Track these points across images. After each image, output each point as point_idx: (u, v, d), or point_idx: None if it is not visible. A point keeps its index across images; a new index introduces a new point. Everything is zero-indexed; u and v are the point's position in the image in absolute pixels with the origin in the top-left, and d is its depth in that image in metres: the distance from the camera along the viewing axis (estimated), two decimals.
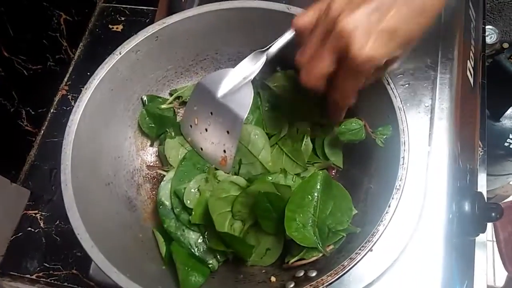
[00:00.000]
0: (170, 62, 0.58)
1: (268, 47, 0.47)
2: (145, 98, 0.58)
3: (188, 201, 0.51)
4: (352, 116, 0.49)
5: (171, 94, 0.61)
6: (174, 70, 0.60)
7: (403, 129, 0.44)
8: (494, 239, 1.04)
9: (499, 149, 1.04)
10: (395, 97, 0.45)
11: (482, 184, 0.63)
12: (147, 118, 0.58)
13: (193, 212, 0.50)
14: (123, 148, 0.57)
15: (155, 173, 0.59)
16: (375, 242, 0.40)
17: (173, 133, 0.58)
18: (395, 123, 0.45)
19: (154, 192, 0.58)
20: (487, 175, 0.65)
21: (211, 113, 0.52)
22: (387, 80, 0.46)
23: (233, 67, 0.50)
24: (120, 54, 0.51)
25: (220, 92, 0.50)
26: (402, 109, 0.45)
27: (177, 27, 0.54)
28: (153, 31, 0.52)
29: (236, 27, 0.55)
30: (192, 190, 0.51)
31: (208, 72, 0.61)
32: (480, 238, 0.59)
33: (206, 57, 0.60)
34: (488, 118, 1.05)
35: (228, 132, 0.50)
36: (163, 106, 0.59)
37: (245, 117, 0.47)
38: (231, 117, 0.49)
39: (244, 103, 0.48)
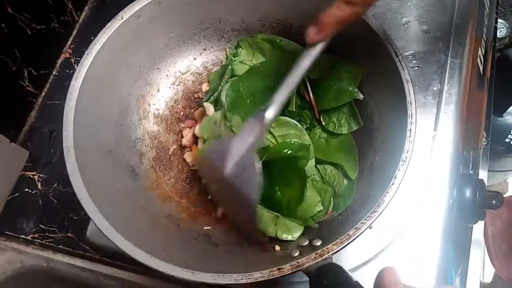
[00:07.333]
0: (172, 29, 0.57)
1: (266, 106, 0.44)
2: None
3: None
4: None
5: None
6: (177, 38, 0.58)
7: (411, 102, 0.43)
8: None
9: (499, 144, 1.03)
10: (403, 69, 0.44)
11: (483, 174, 0.62)
12: None
13: None
14: (125, 116, 0.56)
15: (157, 142, 0.58)
16: (380, 213, 0.40)
17: None
18: (402, 95, 0.44)
19: (156, 162, 0.58)
20: None
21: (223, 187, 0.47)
22: (395, 52, 0.45)
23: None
24: (122, 19, 0.50)
25: (227, 168, 0.45)
26: (409, 81, 0.44)
27: None
28: None
29: None
30: None
31: (211, 41, 0.60)
32: (475, 235, 0.58)
33: (209, 26, 0.59)
34: (491, 113, 1.04)
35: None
36: None
37: (258, 200, 0.43)
38: (243, 198, 0.44)
39: (251, 183, 0.43)
